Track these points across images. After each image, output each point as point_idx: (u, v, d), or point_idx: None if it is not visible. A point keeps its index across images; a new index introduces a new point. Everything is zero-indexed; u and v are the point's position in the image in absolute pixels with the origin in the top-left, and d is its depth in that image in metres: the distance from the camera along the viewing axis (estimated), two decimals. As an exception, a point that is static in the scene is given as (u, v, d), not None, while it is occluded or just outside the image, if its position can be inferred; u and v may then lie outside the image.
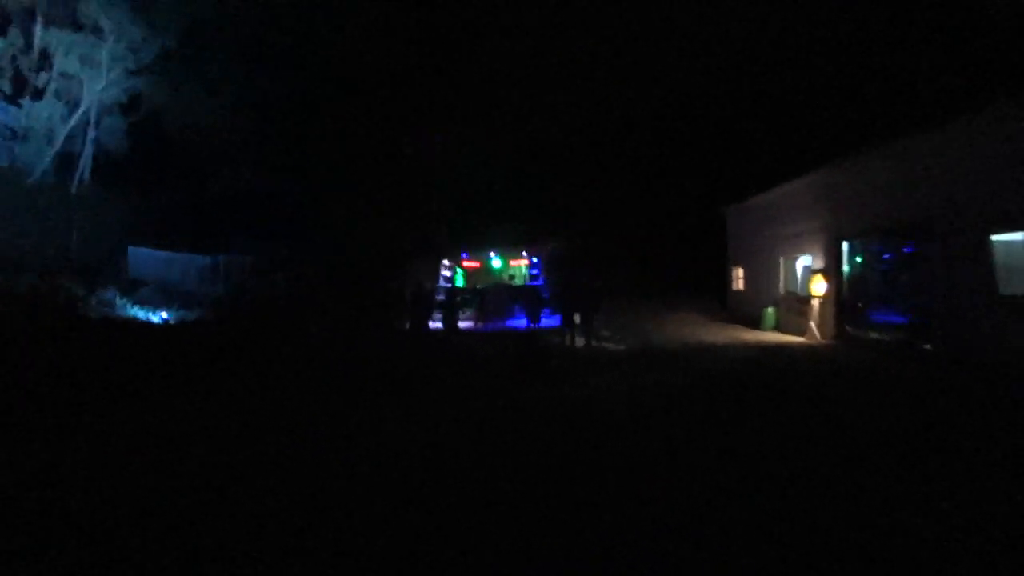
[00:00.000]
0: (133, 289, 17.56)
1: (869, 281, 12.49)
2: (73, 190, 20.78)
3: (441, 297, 16.34)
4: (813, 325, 13.19)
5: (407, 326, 11.73)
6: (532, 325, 15.92)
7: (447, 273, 20.41)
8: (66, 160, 20.73)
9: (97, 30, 19.48)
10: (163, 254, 19.98)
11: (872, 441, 4.94)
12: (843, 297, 12.74)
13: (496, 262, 21.64)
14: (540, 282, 19.64)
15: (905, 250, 11.35)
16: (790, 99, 21.37)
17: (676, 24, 24.69)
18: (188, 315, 15.67)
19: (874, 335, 11.80)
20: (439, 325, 15.22)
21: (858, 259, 13.87)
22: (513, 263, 21.65)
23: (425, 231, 19.89)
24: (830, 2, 20.64)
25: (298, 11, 22.13)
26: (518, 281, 20.75)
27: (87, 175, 21.25)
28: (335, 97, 23.25)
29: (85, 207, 20.61)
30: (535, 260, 20.45)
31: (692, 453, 4.61)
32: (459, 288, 18.75)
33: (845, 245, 12.87)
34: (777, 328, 14.84)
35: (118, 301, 15.14)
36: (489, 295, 18.06)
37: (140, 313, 14.78)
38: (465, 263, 21.66)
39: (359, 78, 23.20)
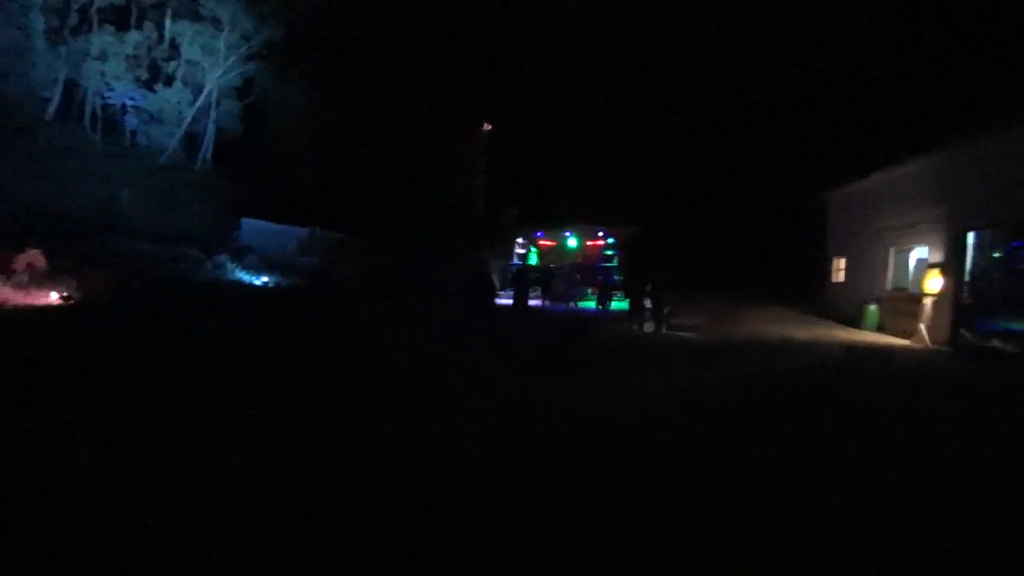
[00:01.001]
0: (242, 256, 19.56)
1: (998, 281, 10.72)
2: (197, 167, 23.35)
3: (511, 275, 16.49)
4: (922, 327, 11.64)
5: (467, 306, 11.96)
6: (601, 308, 15.61)
7: (521, 251, 20.51)
8: (191, 141, 23.28)
9: (216, 21, 21.46)
10: (269, 225, 21.97)
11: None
12: (962, 298, 11.05)
13: (572, 242, 21.37)
14: (613, 264, 19.13)
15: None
16: (904, 68, 18.40)
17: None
18: (284, 281, 17.22)
19: (996, 344, 10.16)
20: (509, 302, 15.40)
21: (995, 254, 11.94)
22: (589, 244, 21.28)
23: (498, 213, 20.06)
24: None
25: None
26: (592, 262, 20.38)
27: (209, 154, 23.75)
28: (415, 83, 23.97)
29: (206, 182, 23.13)
30: (611, 241, 19.93)
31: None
32: (531, 267, 18.78)
33: (971, 237, 11.10)
34: (880, 328, 13.27)
35: (229, 265, 16.99)
36: (557, 275, 17.94)
37: (245, 276, 16.50)
38: (541, 242, 21.61)
39: (442, 64, 23.67)
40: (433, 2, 23.71)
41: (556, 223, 21.46)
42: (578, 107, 24.60)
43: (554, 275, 18.53)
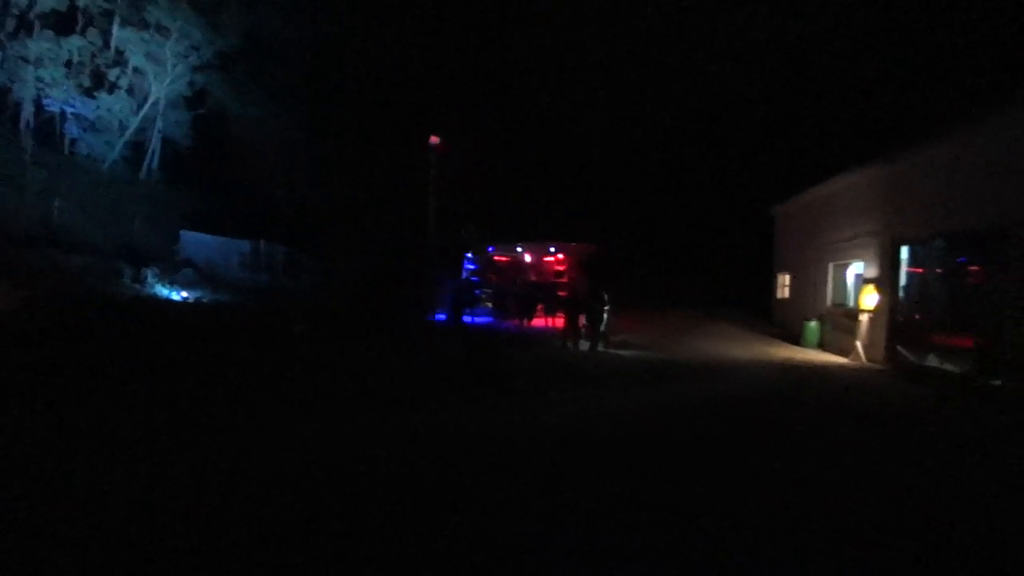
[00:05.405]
0: (176, 270, 18.65)
1: (935, 296, 10.24)
2: (141, 178, 22.56)
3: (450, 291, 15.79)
4: (859, 345, 11.15)
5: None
6: (523, 324, 14.89)
7: (471, 267, 19.90)
8: (136, 151, 22.54)
9: (163, 29, 20.91)
10: (211, 238, 21.11)
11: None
12: (898, 314, 10.57)
13: (526, 258, 20.86)
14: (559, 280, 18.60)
15: (978, 260, 9.14)
16: (848, 82, 18.31)
17: (719, 9, 22.40)
18: (214, 297, 16.35)
19: (934, 362, 9.63)
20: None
21: (938, 269, 11.52)
22: (544, 260, 20.82)
23: (453, 229, 19.44)
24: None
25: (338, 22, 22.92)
26: (545, 279, 19.84)
27: (155, 164, 23.00)
28: (372, 98, 23.62)
29: (150, 194, 22.33)
30: (561, 257, 19.47)
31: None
32: (474, 283, 18.17)
33: (905, 251, 10.68)
34: (821, 346, 12.78)
35: (150, 280, 16.06)
36: (509, 292, 17.39)
37: (164, 292, 15.58)
38: (494, 258, 21.05)
39: (398, 78, 23.41)
40: (386, 18, 23.52)
41: (509, 239, 20.96)
42: (532, 124, 24.40)
43: (506, 292, 17.92)
